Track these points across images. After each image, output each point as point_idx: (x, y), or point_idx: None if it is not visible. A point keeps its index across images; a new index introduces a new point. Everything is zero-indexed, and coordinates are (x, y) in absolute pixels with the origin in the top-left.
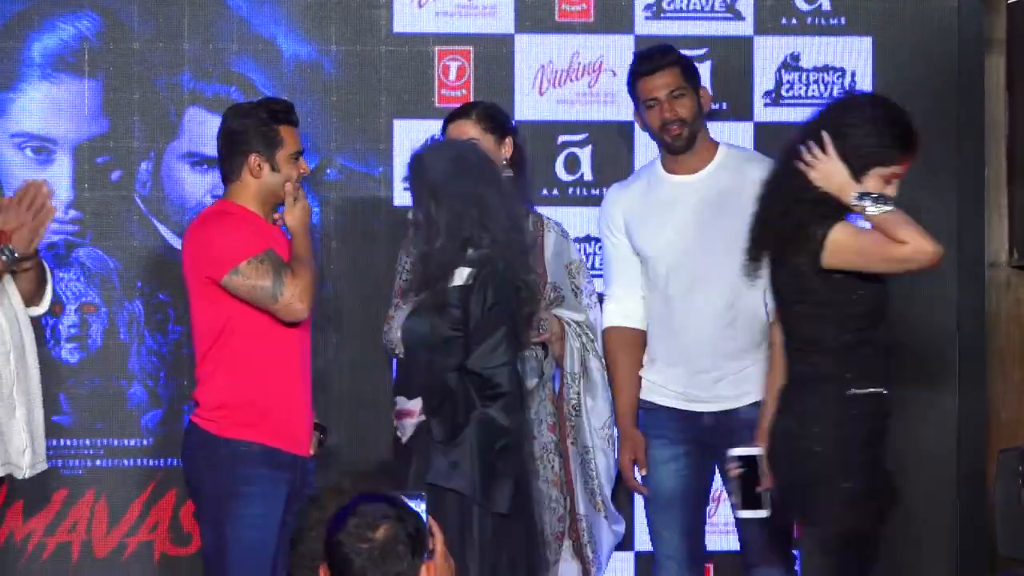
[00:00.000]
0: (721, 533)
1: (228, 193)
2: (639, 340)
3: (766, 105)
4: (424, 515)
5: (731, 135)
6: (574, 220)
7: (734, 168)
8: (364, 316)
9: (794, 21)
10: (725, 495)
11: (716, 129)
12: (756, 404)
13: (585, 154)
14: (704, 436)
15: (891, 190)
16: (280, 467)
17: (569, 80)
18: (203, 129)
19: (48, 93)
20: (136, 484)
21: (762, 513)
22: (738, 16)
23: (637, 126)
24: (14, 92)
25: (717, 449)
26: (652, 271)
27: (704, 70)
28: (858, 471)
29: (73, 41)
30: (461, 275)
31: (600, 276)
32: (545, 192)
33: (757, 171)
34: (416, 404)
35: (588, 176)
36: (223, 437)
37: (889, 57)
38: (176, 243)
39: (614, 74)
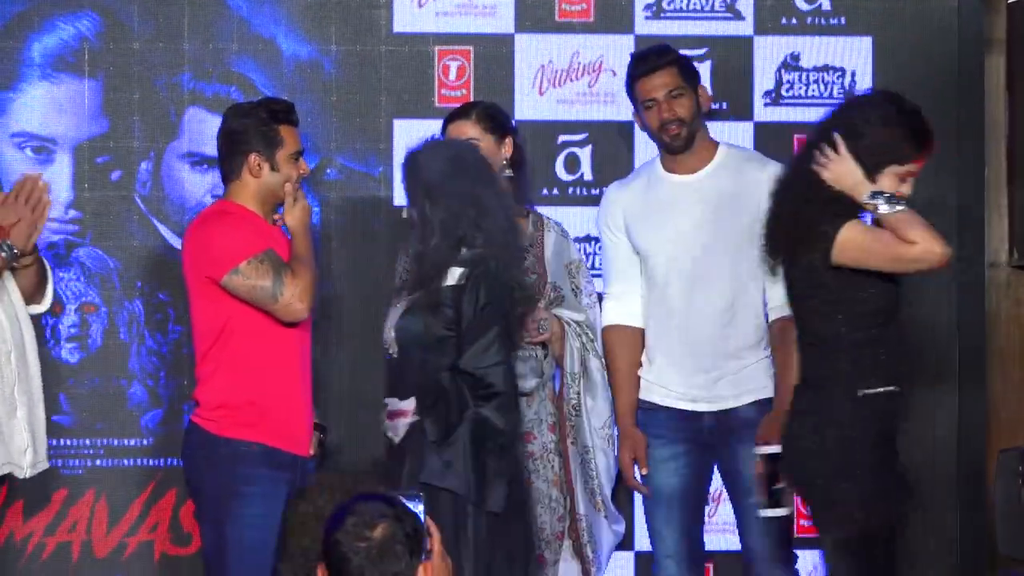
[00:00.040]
0: (721, 533)
1: (228, 193)
2: (638, 339)
3: (766, 105)
4: (422, 515)
5: (731, 135)
6: (574, 220)
7: (734, 168)
8: (364, 316)
9: (794, 21)
10: (724, 495)
11: (716, 129)
12: (755, 403)
13: (585, 154)
14: (703, 436)
15: (906, 188)
16: (280, 467)
17: (569, 80)
18: (203, 129)
19: (48, 93)
20: (136, 484)
21: (782, 511)
22: (738, 16)
23: (637, 126)
24: (14, 92)
25: (716, 449)
26: (651, 270)
27: (704, 70)
28: (868, 472)
29: (73, 41)
30: (454, 275)
31: (600, 276)
32: (545, 192)
33: (757, 171)
34: (409, 404)
35: (588, 176)
36: (223, 437)
37: (889, 57)
38: (176, 243)
39: (614, 74)
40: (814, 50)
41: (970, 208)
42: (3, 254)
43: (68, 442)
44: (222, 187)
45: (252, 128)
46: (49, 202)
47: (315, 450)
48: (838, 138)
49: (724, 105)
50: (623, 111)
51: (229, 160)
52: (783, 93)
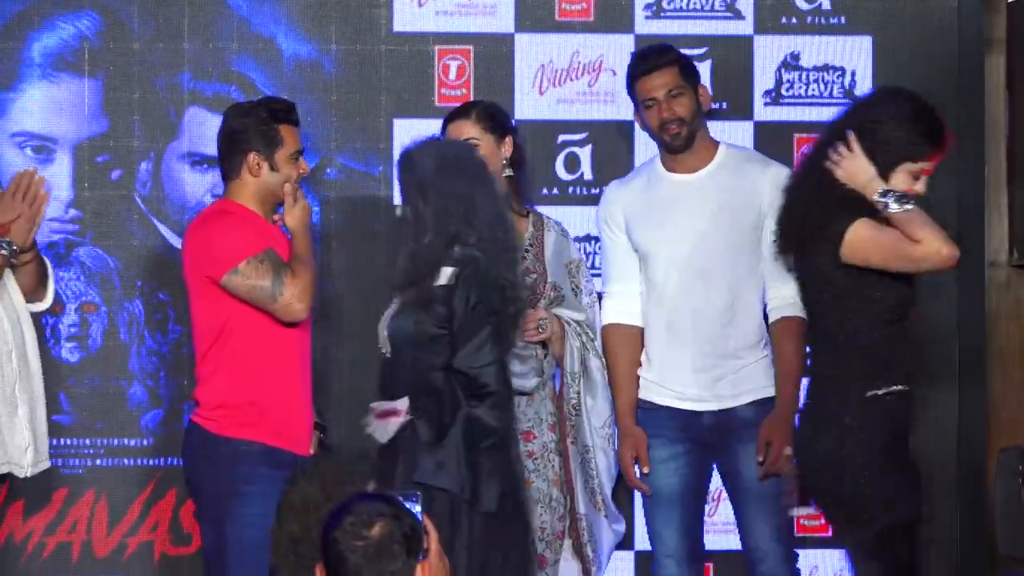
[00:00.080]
0: (721, 532)
1: (228, 192)
2: (638, 337)
3: (766, 104)
4: (419, 515)
5: (731, 134)
6: (574, 219)
7: (735, 168)
8: (364, 315)
9: (794, 20)
10: (724, 494)
11: (716, 128)
12: (755, 403)
13: (585, 153)
14: (703, 435)
15: (920, 186)
16: (280, 466)
17: (569, 79)
18: (203, 129)
19: (48, 92)
20: (136, 484)
21: (809, 509)
22: (738, 15)
23: (637, 125)
24: (14, 91)
25: (716, 448)
26: (651, 269)
27: (704, 69)
28: (878, 472)
29: (73, 41)
30: (444, 274)
31: (600, 275)
32: (545, 191)
33: (758, 171)
34: (402, 403)
35: (588, 175)
36: (223, 436)
37: (889, 57)
38: (176, 242)
39: (614, 73)
40: (814, 49)
41: (970, 208)
42: (3, 251)
43: (68, 442)
44: (222, 186)
45: (252, 127)
46: (46, 196)
47: (315, 450)
48: (851, 136)
49: (724, 105)
50: (623, 111)
51: (229, 159)
52: (783, 92)
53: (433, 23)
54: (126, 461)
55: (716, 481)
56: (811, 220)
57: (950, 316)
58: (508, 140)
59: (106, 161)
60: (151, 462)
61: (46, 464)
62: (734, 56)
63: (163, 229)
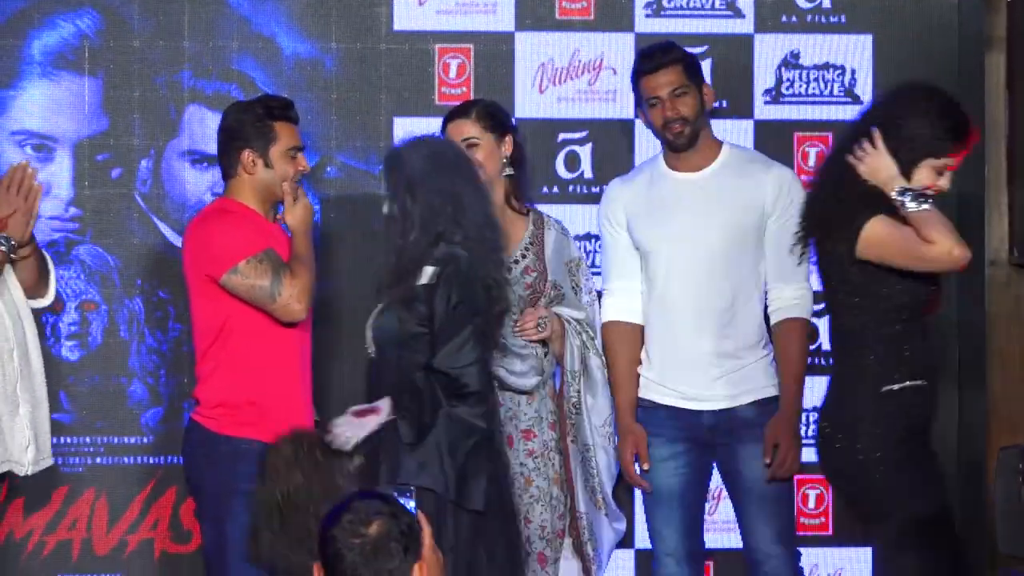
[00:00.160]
0: (721, 531)
1: (228, 191)
2: (638, 335)
3: (766, 103)
4: (413, 510)
5: (731, 133)
6: (574, 218)
7: (738, 168)
8: (364, 315)
9: (794, 19)
10: (724, 493)
11: (716, 127)
12: (756, 403)
13: (585, 152)
14: (703, 435)
15: (944, 182)
16: None
17: (569, 78)
18: (203, 127)
19: (48, 91)
20: (136, 482)
21: None
22: (738, 14)
23: (638, 124)
24: (14, 90)
25: (716, 448)
26: (652, 267)
27: (704, 68)
28: (893, 468)
29: (73, 39)
30: (426, 273)
31: (600, 273)
32: (545, 190)
33: (762, 172)
34: (384, 403)
35: (588, 174)
36: (223, 435)
37: (889, 55)
38: (176, 241)
39: (614, 72)
40: (814, 48)
41: (970, 206)
42: (1, 247)
43: (68, 440)
44: (222, 185)
45: (246, 124)
46: (40, 188)
47: None
48: (876, 132)
49: (724, 103)
50: (623, 109)
51: (226, 157)
52: (783, 91)
53: (433, 22)
54: (126, 459)
55: (716, 480)
56: (831, 215)
57: (950, 316)
58: (508, 139)
59: (106, 159)
60: (151, 460)
61: (48, 462)
62: (734, 55)
63: (163, 227)
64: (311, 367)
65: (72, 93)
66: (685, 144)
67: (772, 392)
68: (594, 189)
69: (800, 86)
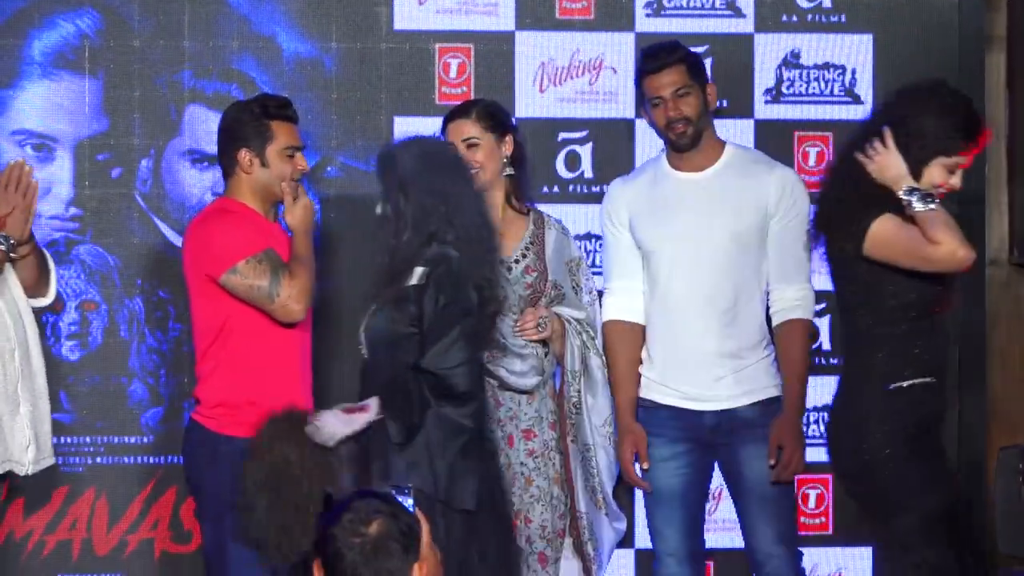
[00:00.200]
0: (721, 531)
1: (228, 190)
2: (638, 334)
3: (767, 102)
4: (411, 508)
5: (731, 132)
6: (574, 217)
7: (740, 168)
8: (364, 315)
9: (794, 18)
10: (725, 492)
11: (717, 126)
12: (758, 404)
13: (585, 151)
14: (705, 435)
15: (956, 180)
16: None
17: (569, 77)
18: (203, 127)
19: (48, 91)
20: (137, 482)
21: None
22: (738, 13)
23: (638, 123)
24: (14, 89)
25: (718, 448)
26: (654, 267)
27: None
28: (902, 465)
29: (74, 38)
30: (416, 274)
31: (601, 274)
32: (545, 189)
33: (765, 173)
34: (372, 402)
35: (588, 173)
36: (224, 434)
37: (889, 54)
38: (176, 240)
39: (614, 71)
40: (814, 47)
41: (970, 206)
42: (1, 246)
43: (68, 440)
44: (223, 184)
45: (243, 123)
46: (36, 184)
47: None
48: (887, 131)
49: (724, 103)
50: (624, 109)
51: (225, 156)
52: (784, 90)
53: (434, 21)
54: (126, 459)
55: (716, 479)
56: (839, 213)
57: (950, 315)
58: (508, 138)
59: (106, 159)
60: (151, 460)
61: (49, 461)
62: (735, 54)
63: (163, 227)
64: (311, 367)
65: (72, 93)
66: (688, 144)
67: (774, 392)
68: (594, 189)
69: (800, 86)
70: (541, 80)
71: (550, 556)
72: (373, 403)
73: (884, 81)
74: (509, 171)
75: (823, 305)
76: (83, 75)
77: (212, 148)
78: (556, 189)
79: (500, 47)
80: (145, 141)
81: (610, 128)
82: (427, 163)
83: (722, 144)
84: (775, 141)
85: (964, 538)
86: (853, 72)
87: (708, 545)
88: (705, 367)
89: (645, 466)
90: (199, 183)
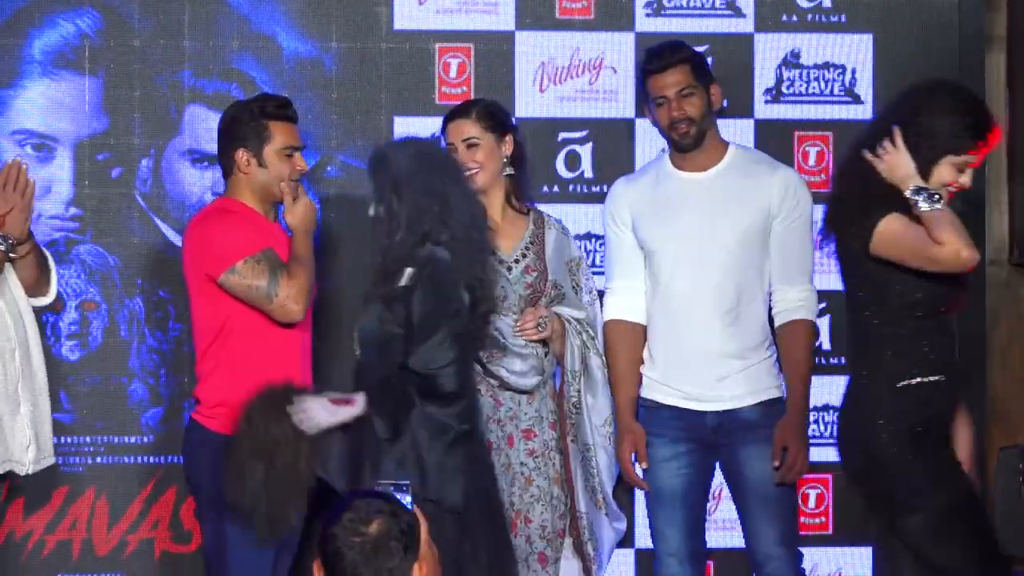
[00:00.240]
0: (722, 530)
1: (228, 190)
2: (640, 334)
3: (767, 102)
4: (410, 506)
5: (731, 132)
6: (575, 217)
7: (743, 168)
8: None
9: (795, 18)
10: (725, 491)
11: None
12: (760, 404)
13: (586, 151)
14: (707, 435)
15: (966, 179)
16: None
17: (570, 77)
18: (203, 126)
19: (49, 90)
20: (137, 481)
21: None
22: (738, 13)
23: (638, 123)
24: (15, 89)
25: (719, 449)
26: (656, 267)
27: None
28: (912, 462)
29: (74, 38)
30: (405, 275)
31: (601, 273)
32: (546, 189)
33: (767, 173)
34: (359, 396)
35: (589, 173)
36: (224, 434)
37: (890, 54)
38: (177, 240)
39: (614, 71)
40: (814, 47)
41: (970, 206)
42: (0, 247)
43: (69, 440)
44: (223, 184)
45: (241, 123)
46: (34, 183)
47: None
48: (896, 131)
49: (725, 103)
50: (624, 108)
51: (224, 156)
52: (784, 90)
53: (434, 21)
54: (126, 459)
55: (716, 479)
56: (848, 211)
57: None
58: (508, 138)
59: (106, 159)
60: (151, 460)
61: (50, 460)
62: (735, 54)
63: (163, 227)
64: (311, 367)
65: (72, 92)
66: (691, 144)
67: (776, 393)
68: (594, 188)
69: (800, 85)
70: (541, 80)
71: (550, 556)
72: (360, 398)
73: (884, 81)
74: (509, 171)
75: (823, 304)
76: (83, 74)
77: (212, 148)
78: (556, 189)
79: (500, 47)
80: (145, 141)
81: (610, 128)
82: (419, 163)
83: (725, 144)
84: (775, 141)
85: (975, 537)
86: (853, 72)
87: (708, 545)
88: (707, 367)
89: (644, 466)
90: (199, 183)
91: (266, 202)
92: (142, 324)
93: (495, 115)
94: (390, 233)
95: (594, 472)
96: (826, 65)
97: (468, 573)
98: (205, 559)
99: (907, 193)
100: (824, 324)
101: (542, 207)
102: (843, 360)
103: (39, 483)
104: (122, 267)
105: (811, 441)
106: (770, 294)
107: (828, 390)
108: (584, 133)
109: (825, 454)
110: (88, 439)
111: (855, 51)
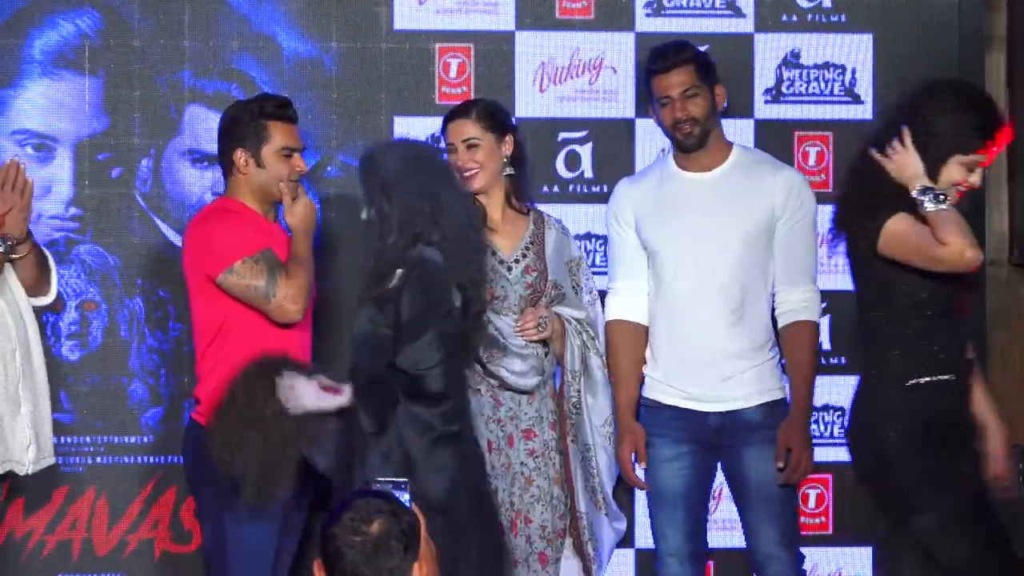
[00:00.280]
0: (722, 530)
1: (228, 190)
2: (641, 334)
3: (767, 102)
4: (408, 503)
5: (732, 132)
6: (575, 217)
7: (747, 169)
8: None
9: (794, 18)
10: (725, 491)
11: None
12: (763, 405)
13: (586, 151)
14: (708, 436)
15: (975, 178)
16: None
17: (570, 77)
18: (203, 126)
19: (49, 90)
20: (137, 481)
21: None
22: (738, 13)
23: (638, 123)
24: (15, 89)
25: (721, 450)
26: (660, 267)
27: None
28: (923, 461)
29: (74, 38)
30: (395, 276)
31: (601, 273)
32: (546, 189)
33: (771, 174)
34: (346, 387)
35: (588, 173)
36: None
37: (889, 54)
38: (176, 240)
39: (614, 71)
40: (814, 47)
41: (971, 205)
42: (0, 248)
43: (69, 440)
44: (223, 184)
45: (240, 124)
46: (32, 182)
47: None
48: (905, 131)
49: (725, 103)
50: (624, 108)
51: (224, 156)
52: (784, 90)
53: (434, 21)
54: (126, 459)
55: (718, 478)
56: (857, 211)
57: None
58: (508, 138)
59: (107, 159)
60: (151, 460)
61: (50, 460)
62: (735, 54)
63: (163, 227)
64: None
65: (72, 92)
66: (694, 144)
67: (779, 394)
68: (594, 188)
69: (800, 85)
70: (541, 80)
71: (550, 556)
72: (347, 389)
73: (884, 81)
74: (509, 171)
75: (824, 304)
76: (83, 74)
77: (212, 148)
78: (556, 189)
79: (500, 47)
80: (145, 141)
81: (610, 128)
82: (409, 164)
83: (729, 145)
84: (775, 141)
85: (986, 536)
86: (853, 72)
87: (709, 545)
88: (710, 368)
89: (644, 466)
90: (199, 183)
91: (265, 202)
92: (142, 324)
93: (495, 115)
94: (382, 236)
95: (594, 472)
96: (826, 65)
97: (459, 573)
98: (205, 559)
99: (913, 193)
100: (824, 324)
101: (542, 207)
102: (843, 360)
103: (39, 483)
104: (122, 267)
105: (815, 442)
106: (773, 295)
107: (828, 390)
108: (584, 133)
109: (825, 454)
110: (88, 439)
111: (855, 51)
